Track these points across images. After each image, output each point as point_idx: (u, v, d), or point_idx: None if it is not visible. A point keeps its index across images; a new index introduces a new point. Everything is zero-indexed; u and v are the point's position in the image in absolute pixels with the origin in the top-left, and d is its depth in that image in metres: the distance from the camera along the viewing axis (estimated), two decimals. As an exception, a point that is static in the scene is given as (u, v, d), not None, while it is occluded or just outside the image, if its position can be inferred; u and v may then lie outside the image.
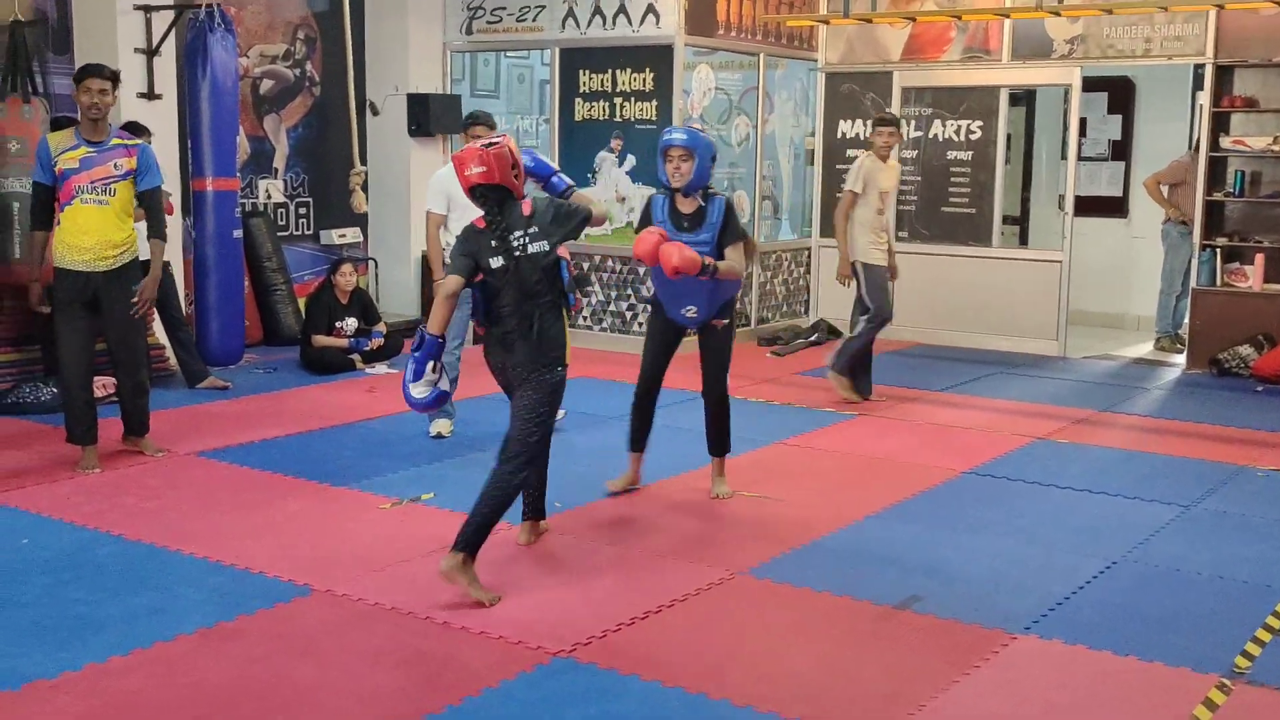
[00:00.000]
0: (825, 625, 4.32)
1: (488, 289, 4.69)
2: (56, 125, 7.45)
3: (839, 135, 10.84)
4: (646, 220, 5.61)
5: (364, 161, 10.45)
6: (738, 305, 5.83)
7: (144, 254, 6.18)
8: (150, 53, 8.44)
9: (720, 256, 5.46)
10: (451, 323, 6.31)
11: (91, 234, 5.88)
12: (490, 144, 4.60)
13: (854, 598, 4.54)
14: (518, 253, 4.57)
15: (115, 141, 5.98)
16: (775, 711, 3.63)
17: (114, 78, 5.97)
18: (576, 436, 6.88)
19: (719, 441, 5.83)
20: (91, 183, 5.88)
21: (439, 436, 6.82)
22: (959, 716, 3.65)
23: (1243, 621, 4.36)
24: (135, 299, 6.04)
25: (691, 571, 4.79)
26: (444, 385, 4.75)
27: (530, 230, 4.59)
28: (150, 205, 6.08)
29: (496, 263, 4.58)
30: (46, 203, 5.96)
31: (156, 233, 6.10)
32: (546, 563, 4.92)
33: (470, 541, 4.48)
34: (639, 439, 5.84)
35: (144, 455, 6.32)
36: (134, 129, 7.30)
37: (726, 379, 5.74)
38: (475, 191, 4.60)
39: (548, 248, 4.60)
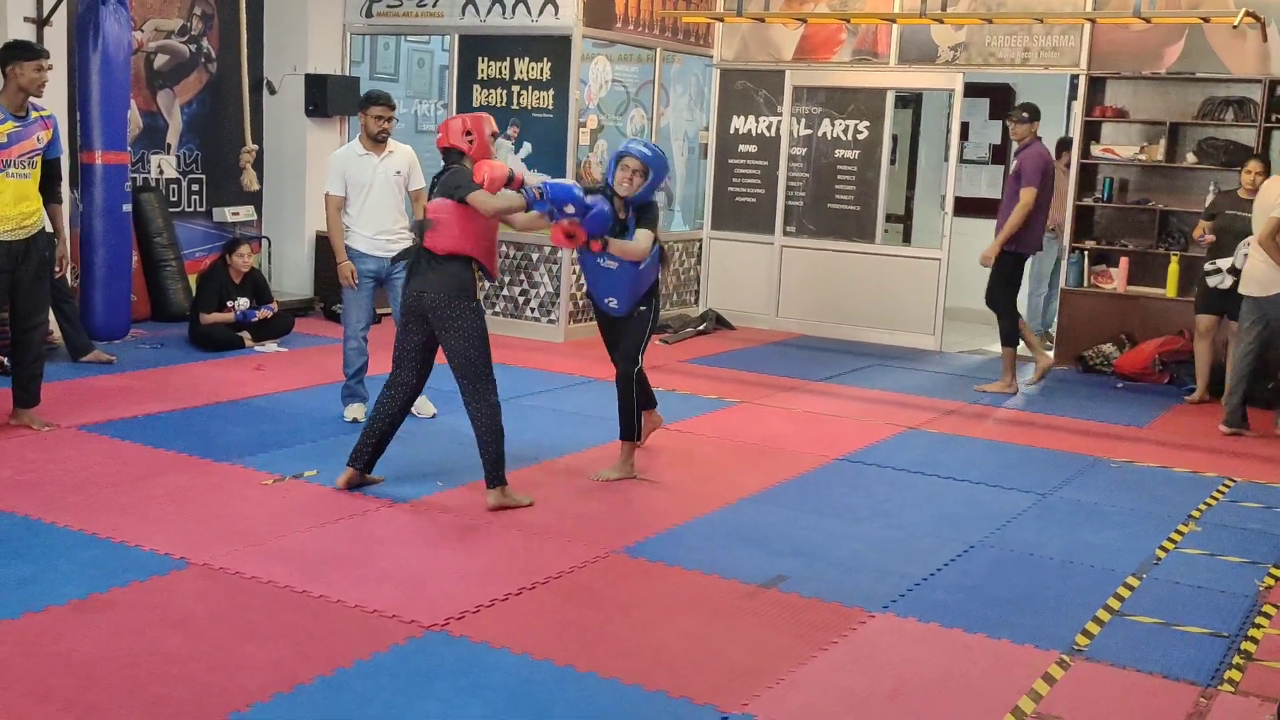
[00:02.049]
0: (692, 602, 4.40)
1: None
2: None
3: (732, 130, 10.96)
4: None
5: (260, 140, 10.32)
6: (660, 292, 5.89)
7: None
8: (40, 22, 8.22)
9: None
10: (360, 307, 6.53)
11: (16, 205, 5.95)
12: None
13: (722, 576, 4.63)
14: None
15: (34, 115, 6.02)
16: (639, 683, 3.71)
17: (48, 55, 6.08)
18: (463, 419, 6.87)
19: (624, 426, 5.89)
20: (19, 157, 5.94)
21: (355, 421, 6.68)
22: (814, 690, 3.76)
23: (1087, 603, 4.55)
24: (56, 266, 6.29)
25: (566, 550, 4.85)
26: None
27: (439, 186, 5.35)
28: (53, 173, 6.21)
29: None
30: None
31: (58, 199, 6.26)
32: (424, 539, 4.94)
33: (495, 476, 5.29)
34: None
35: (27, 429, 6.19)
36: None
37: (631, 360, 5.83)
38: (443, 153, 5.43)
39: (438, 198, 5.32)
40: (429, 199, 5.42)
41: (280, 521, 5.01)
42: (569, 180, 5.59)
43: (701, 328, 10.33)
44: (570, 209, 5.39)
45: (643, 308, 5.82)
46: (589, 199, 5.45)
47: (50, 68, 6.06)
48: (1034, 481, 6.21)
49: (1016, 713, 3.64)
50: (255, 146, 9.37)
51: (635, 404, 5.87)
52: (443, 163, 5.44)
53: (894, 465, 6.40)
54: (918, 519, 5.51)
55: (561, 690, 3.66)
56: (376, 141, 6.60)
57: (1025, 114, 8.28)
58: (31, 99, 6.00)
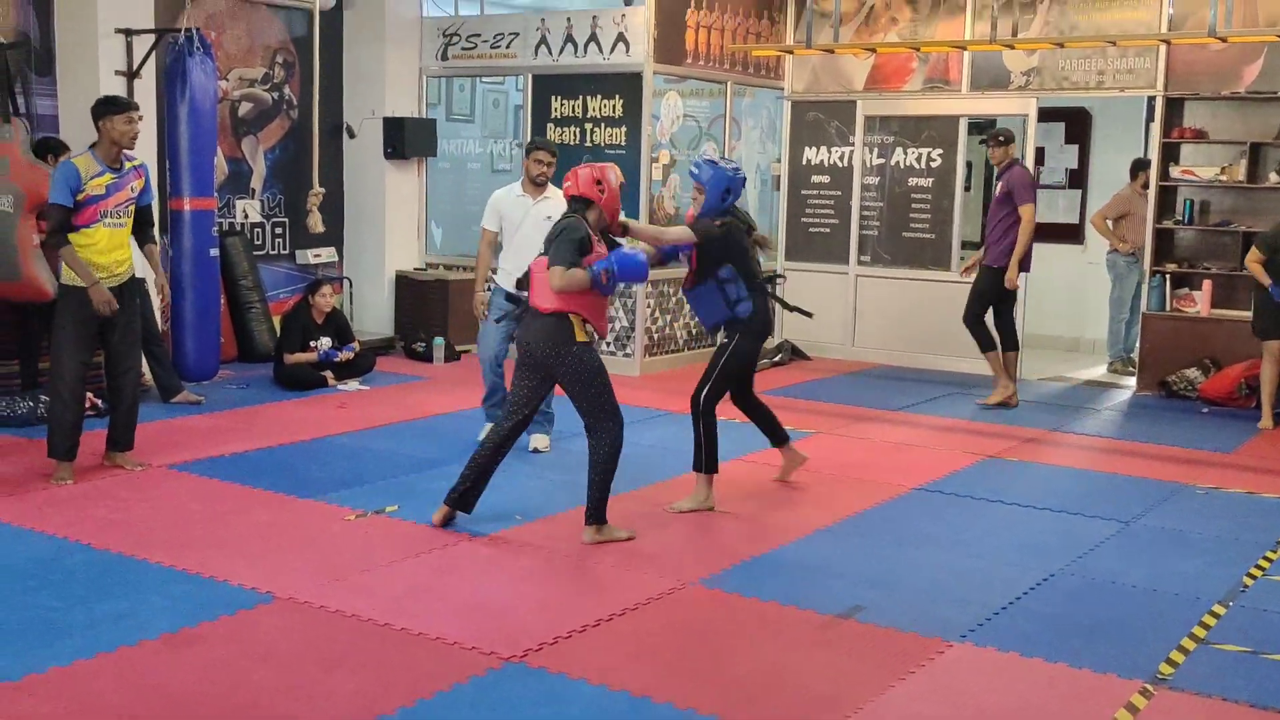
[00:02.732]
0: (770, 633, 4.41)
1: None
2: (43, 147, 7.55)
3: (804, 161, 10.99)
4: (672, 251, 6.06)
5: (339, 184, 10.58)
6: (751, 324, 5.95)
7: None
8: (131, 75, 8.52)
9: (686, 283, 5.91)
10: (490, 338, 6.96)
11: (111, 253, 6.19)
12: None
13: (799, 607, 4.64)
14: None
15: (128, 165, 6.27)
16: (716, 713, 3.72)
17: (137, 107, 6.37)
18: (538, 455, 6.96)
19: (695, 455, 5.92)
20: (115, 207, 6.18)
21: (535, 451, 6.96)
22: (892, 719, 3.74)
23: (1171, 631, 4.48)
24: (158, 295, 6.78)
25: (644, 581, 4.88)
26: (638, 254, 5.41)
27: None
28: (147, 218, 6.46)
29: None
30: (65, 224, 6.08)
31: (153, 240, 6.54)
32: (504, 572, 5.01)
33: (594, 515, 5.35)
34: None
35: (121, 469, 6.38)
36: (55, 146, 7.45)
37: (700, 388, 5.90)
38: (569, 201, 5.50)
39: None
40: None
41: (363, 556, 5.11)
42: (639, 251, 5.49)
43: (777, 359, 10.34)
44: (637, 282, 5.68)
45: (724, 339, 5.86)
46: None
47: (140, 119, 6.29)
48: (1117, 509, 6.12)
49: (1099, 743, 3.60)
50: (322, 190, 9.60)
51: (704, 435, 5.88)
52: (568, 209, 5.46)
53: (973, 494, 6.35)
54: (997, 548, 5.46)
55: (639, 720, 3.70)
56: (535, 184, 6.94)
57: (1002, 138, 8.69)
58: (124, 150, 6.24)
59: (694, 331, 10.42)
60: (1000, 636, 4.39)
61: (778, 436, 6.38)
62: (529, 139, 6.92)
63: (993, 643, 4.33)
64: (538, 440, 7.01)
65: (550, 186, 6.96)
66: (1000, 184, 8.72)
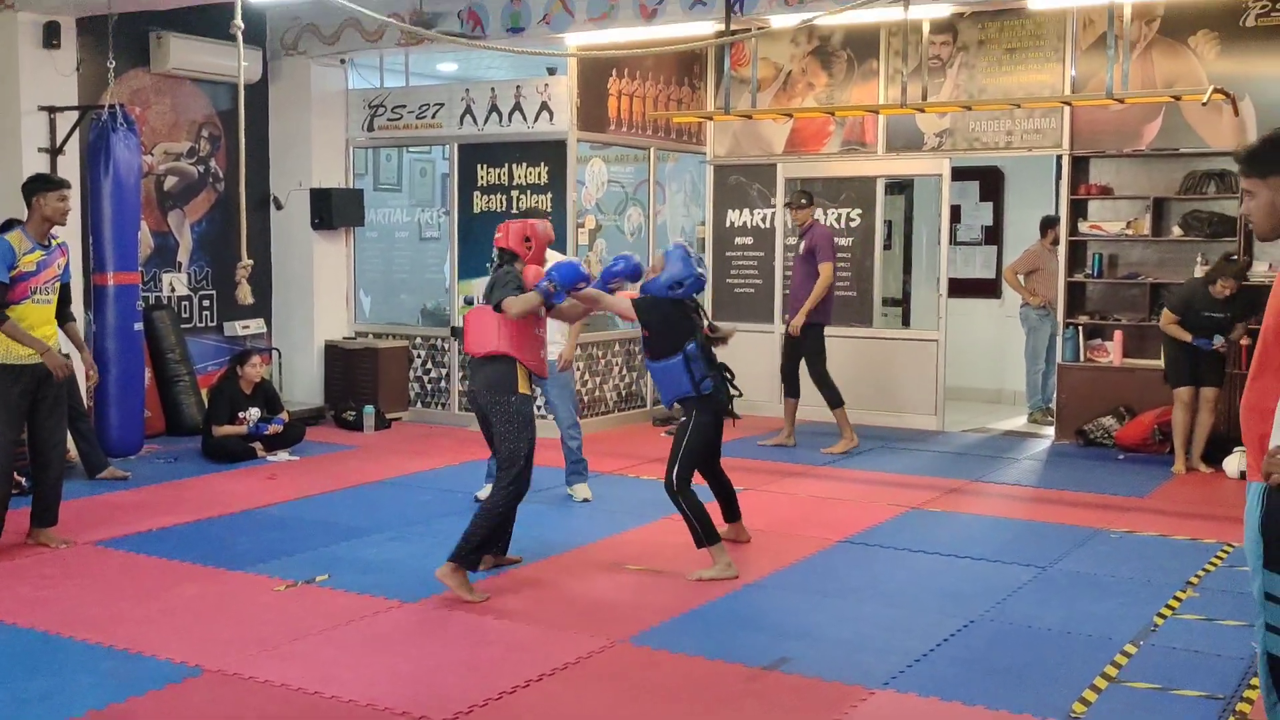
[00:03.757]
0: (697, 688, 4.50)
1: None
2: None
3: (728, 223, 11.22)
4: None
5: (267, 255, 10.61)
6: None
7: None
8: (54, 151, 8.56)
9: (649, 355, 6.02)
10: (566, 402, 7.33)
11: (40, 329, 6.23)
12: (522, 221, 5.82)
13: (726, 660, 4.73)
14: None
15: (54, 243, 6.34)
16: (643, 769, 3.80)
17: (69, 185, 6.46)
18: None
19: (691, 534, 5.93)
20: (44, 284, 6.24)
21: (585, 500, 7.37)
22: (815, 767, 3.84)
23: (1084, 671, 4.63)
24: (85, 375, 6.73)
25: (573, 641, 4.95)
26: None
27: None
28: (67, 296, 6.51)
29: None
30: (3, 301, 6.10)
31: (73, 318, 6.61)
32: (435, 636, 5.05)
33: (461, 555, 5.45)
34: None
35: (45, 547, 6.33)
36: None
37: (669, 470, 5.94)
38: (499, 253, 5.79)
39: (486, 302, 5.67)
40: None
41: (293, 626, 5.13)
42: (570, 258, 5.91)
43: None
44: (582, 285, 5.71)
45: (683, 417, 5.99)
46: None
47: (70, 196, 6.34)
48: (1035, 555, 6.30)
49: (1014, 781, 3.72)
50: (251, 261, 9.63)
51: (691, 512, 5.86)
52: (496, 262, 5.79)
53: (895, 545, 6.50)
54: (919, 596, 5.60)
55: (568, 778, 3.75)
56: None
57: (805, 200, 9.37)
58: (52, 228, 6.28)
59: (623, 393, 10.54)
60: (920, 682, 4.51)
61: (732, 512, 6.48)
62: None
63: (913, 688, 4.45)
64: (578, 490, 7.42)
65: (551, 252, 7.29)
66: (804, 242, 9.27)
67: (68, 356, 6.49)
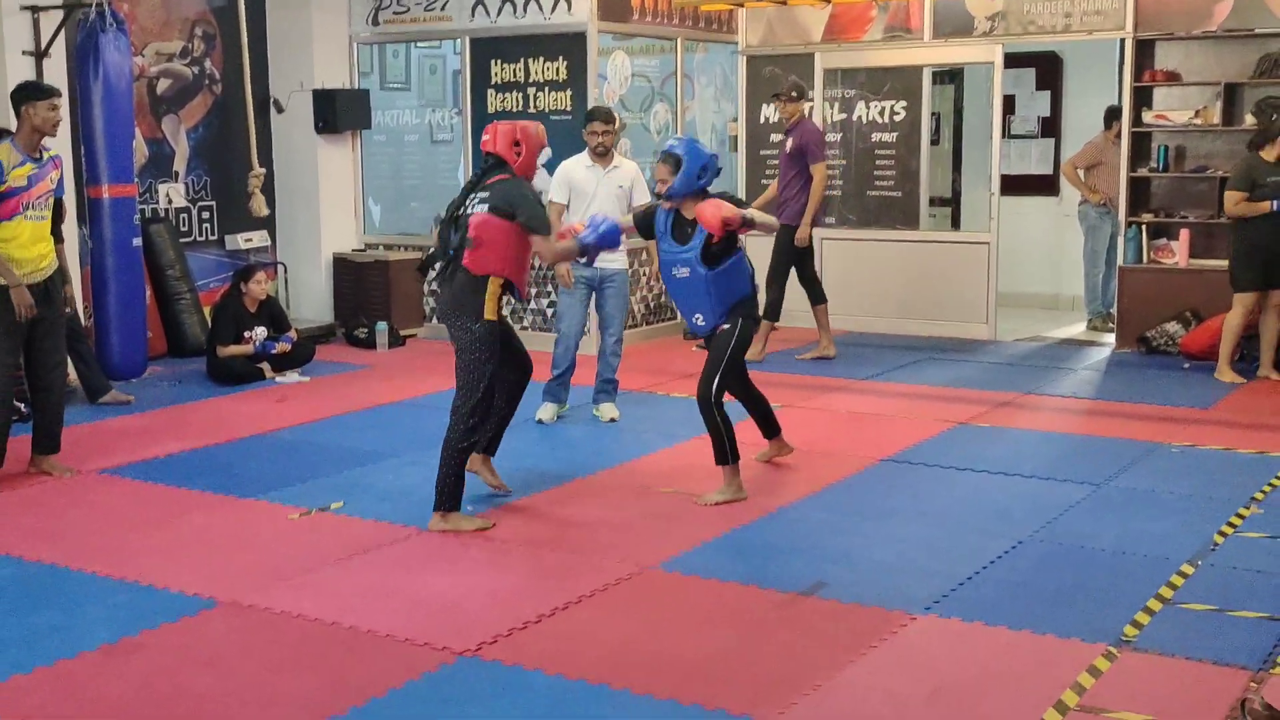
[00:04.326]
0: (729, 614, 4.63)
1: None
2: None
3: (762, 120, 11.17)
4: (648, 229, 6.10)
5: (269, 161, 10.68)
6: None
7: None
8: (39, 55, 8.59)
9: (709, 262, 5.87)
10: (573, 312, 7.42)
11: (35, 246, 6.32)
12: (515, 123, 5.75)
13: (760, 586, 4.86)
14: (458, 210, 5.63)
15: (47, 155, 6.40)
16: (673, 698, 3.94)
17: (59, 93, 6.48)
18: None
19: (715, 450, 6.01)
20: (37, 198, 6.31)
21: (541, 422, 7.42)
22: (851, 695, 3.98)
23: (1138, 593, 4.73)
24: (68, 305, 6.68)
25: (600, 568, 5.09)
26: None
27: (483, 195, 5.57)
28: (59, 213, 6.59)
29: (446, 213, 5.74)
30: None
31: (62, 238, 6.64)
32: (455, 564, 5.20)
33: (442, 501, 5.57)
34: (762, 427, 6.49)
35: (49, 476, 6.52)
36: None
37: (711, 384, 5.94)
38: (485, 156, 5.73)
39: (482, 210, 5.54)
40: (472, 209, 5.59)
41: (308, 555, 5.29)
42: (610, 220, 5.91)
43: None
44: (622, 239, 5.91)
45: (726, 325, 5.96)
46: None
47: (61, 105, 6.40)
48: (1089, 471, 6.38)
49: (1059, 707, 3.83)
50: (263, 170, 9.70)
51: (723, 427, 5.95)
52: (481, 166, 5.73)
53: (941, 463, 6.60)
54: (965, 517, 5.71)
55: (596, 709, 3.91)
56: (599, 155, 7.38)
57: (795, 93, 9.26)
58: (43, 139, 6.35)
59: (651, 305, 10.60)
60: (964, 607, 4.63)
61: (771, 428, 6.56)
62: (589, 110, 7.78)
63: (957, 613, 4.57)
64: (605, 410, 7.56)
65: (617, 155, 7.52)
66: (790, 140, 9.25)
67: (58, 291, 6.55)
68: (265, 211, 9.51)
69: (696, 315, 6.01)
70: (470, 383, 5.58)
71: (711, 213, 5.69)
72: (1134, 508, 5.81)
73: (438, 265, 5.78)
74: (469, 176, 5.84)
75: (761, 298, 7.68)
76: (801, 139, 9.16)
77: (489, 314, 5.58)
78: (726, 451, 5.99)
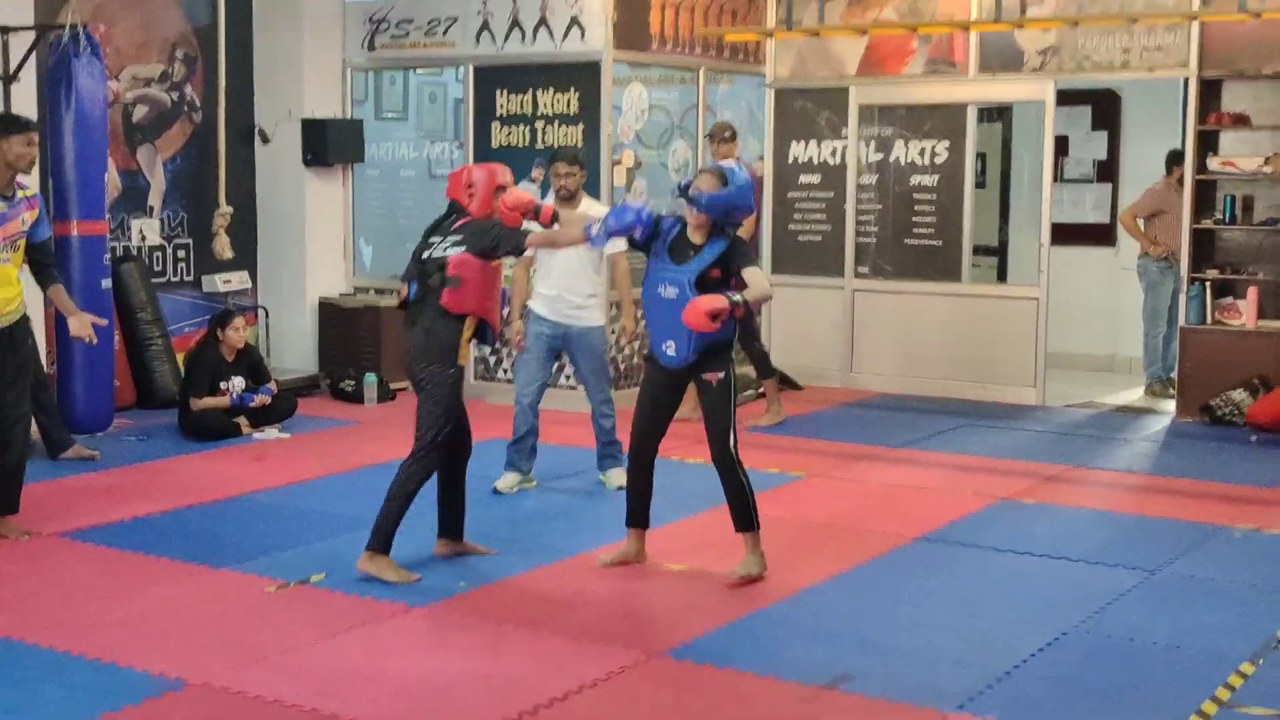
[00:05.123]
0: (745, 709, 4.69)
1: None
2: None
3: (791, 159, 11.32)
4: (654, 232, 6.05)
5: (251, 196, 10.84)
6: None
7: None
8: (7, 79, 8.77)
9: (699, 288, 5.88)
10: (528, 369, 7.55)
11: None
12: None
13: (779, 678, 4.92)
14: (424, 254, 6.03)
15: (20, 194, 6.52)
16: (681, 801, 4.00)
17: (37, 127, 6.65)
18: (489, 503, 7.23)
19: (738, 515, 6.09)
20: (4, 240, 6.43)
21: (497, 492, 7.50)
22: (876, 801, 4.03)
23: (1193, 693, 4.77)
24: (86, 335, 6.68)
25: (604, 653, 5.16)
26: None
27: (454, 238, 5.96)
28: (46, 255, 6.73)
29: (411, 259, 6.19)
30: None
31: (55, 279, 6.81)
32: (446, 646, 5.27)
33: (377, 540, 5.91)
34: (636, 512, 6.28)
35: (3, 539, 6.58)
36: None
37: (728, 442, 6.02)
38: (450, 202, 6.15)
39: (458, 251, 5.92)
40: (445, 252, 5.97)
41: (286, 633, 5.37)
42: (629, 203, 6.24)
43: (761, 390, 10.60)
44: (638, 232, 5.97)
45: (720, 373, 6.00)
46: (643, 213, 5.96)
47: (37, 140, 6.56)
48: (1143, 556, 6.44)
49: (1102, 820, 3.89)
50: (230, 209, 9.80)
51: (748, 487, 6.05)
52: (452, 214, 6.11)
53: (980, 543, 6.67)
54: (1004, 604, 5.77)
55: (596, 810, 3.96)
56: (564, 200, 7.43)
57: (728, 133, 9.41)
58: (19, 176, 6.49)
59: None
60: (1002, 705, 4.68)
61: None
62: (554, 151, 8.16)
63: (993, 711, 4.63)
64: (612, 476, 7.65)
65: (586, 198, 7.61)
66: None
67: (24, 339, 6.68)
68: (229, 254, 9.57)
69: (669, 343, 5.96)
70: (434, 424, 5.94)
71: (695, 313, 5.70)
72: (1190, 598, 5.86)
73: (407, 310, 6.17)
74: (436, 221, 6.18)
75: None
76: None
77: (462, 359, 5.99)
78: (752, 516, 6.07)
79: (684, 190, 6.04)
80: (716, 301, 5.71)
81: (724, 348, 6.04)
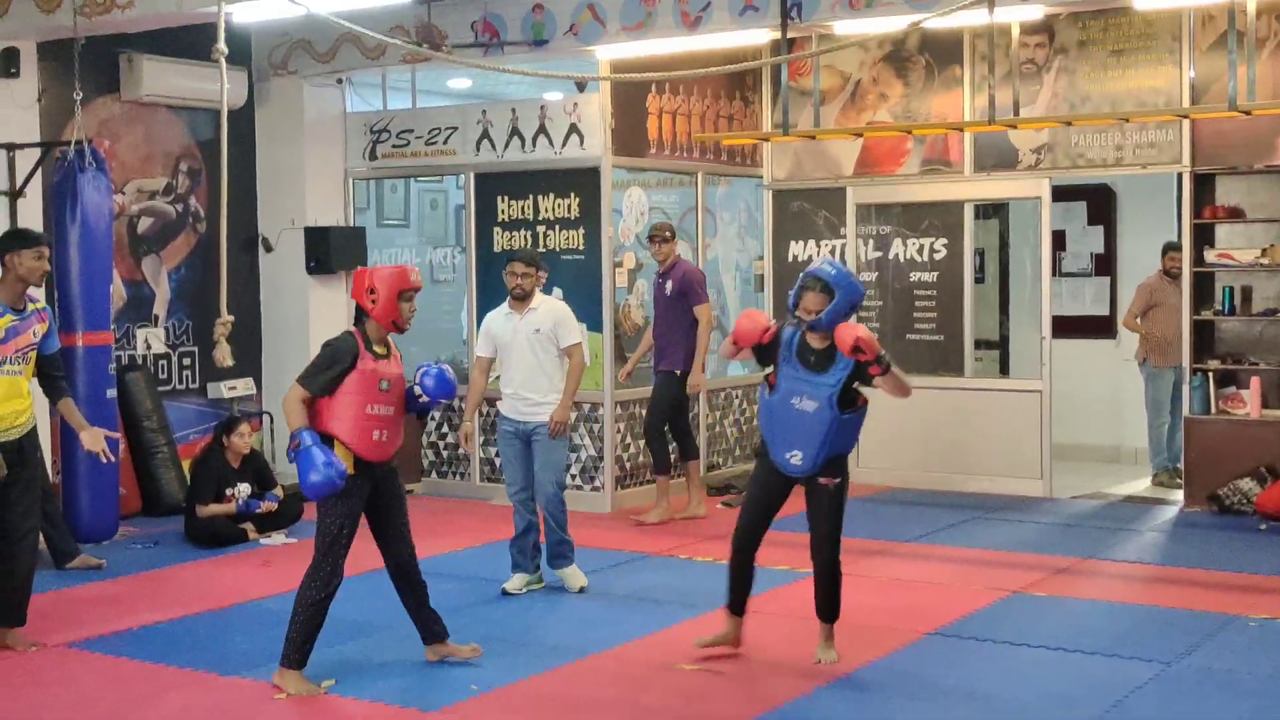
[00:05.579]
0: (762, 809, 4.64)
1: None
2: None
3: (790, 258, 11.41)
4: (768, 350, 6.19)
5: (255, 304, 10.91)
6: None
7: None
8: (14, 194, 8.88)
9: (846, 403, 5.99)
10: (511, 466, 7.53)
11: (8, 403, 6.46)
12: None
13: (794, 779, 4.88)
14: None
15: (32, 307, 6.60)
16: None
17: (48, 243, 6.74)
18: (501, 607, 7.20)
19: (826, 607, 6.22)
20: (14, 353, 6.48)
21: (506, 594, 7.46)
22: None
23: (1215, 787, 4.74)
24: (102, 453, 6.66)
25: (618, 756, 5.11)
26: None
27: None
28: (56, 367, 6.77)
29: None
30: None
31: (65, 392, 6.83)
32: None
33: (286, 653, 5.90)
34: (737, 600, 6.32)
35: (10, 650, 6.56)
36: None
37: (837, 545, 6.15)
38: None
39: None
40: None
41: (296, 741, 5.33)
42: (442, 366, 6.21)
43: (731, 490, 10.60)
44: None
45: (836, 479, 6.10)
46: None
47: (48, 254, 6.64)
48: (1157, 648, 6.40)
49: None
50: (231, 318, 9.81)
51: (839, 586, 6.18)
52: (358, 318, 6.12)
53: (993, 638, 6.63)
54: (1017, 699, 5.73)
55: None
56: (517, 300, 7.53)
57: (668, 234, 9.67)
58: (29, 290, 6.56)
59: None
60: (1022, 801, 4.64)
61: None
62: (509, 253, 8.23)
63: (1013, 809, 4.58)
64: (565, 576, 7.59)
65: (540, 296, 7.67)
66: (670, 283, 9.58)
67: (34, 451, 6.70)
68: (230, 362, 9.55)
69: (795, 453, 6.01)
70: (328, 544, 5.91)
71: (848, 331, 5.83)
72: (1207, 690, 5.82)
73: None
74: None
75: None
76: (682, 281, 9.51)
77: (351, 469, 5.83)
78: (838, 608, 6.18)
79: (793, 310, 6.13)
80: (866, 335, 5.83)
81: (842, 460, 6.13)
